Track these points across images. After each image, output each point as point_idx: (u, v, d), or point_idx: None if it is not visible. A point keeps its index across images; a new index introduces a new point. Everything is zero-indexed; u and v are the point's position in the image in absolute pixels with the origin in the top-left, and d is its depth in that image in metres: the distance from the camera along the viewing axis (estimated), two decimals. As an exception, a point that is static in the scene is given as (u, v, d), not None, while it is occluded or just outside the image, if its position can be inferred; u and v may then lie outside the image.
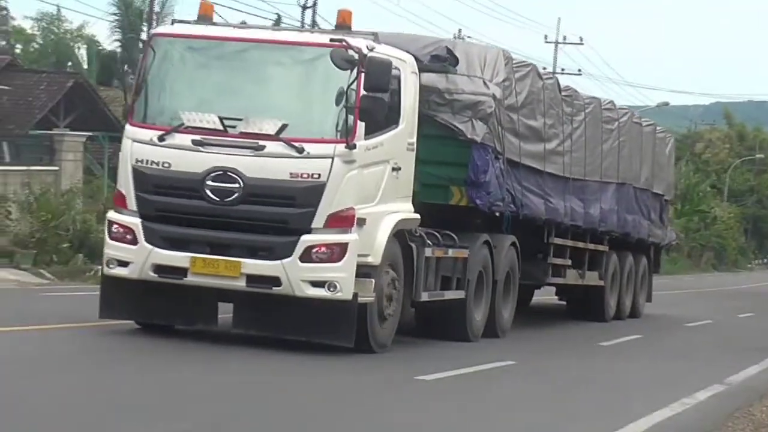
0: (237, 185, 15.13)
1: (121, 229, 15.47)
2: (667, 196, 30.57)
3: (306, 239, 15.02)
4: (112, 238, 15.57)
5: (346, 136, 15.08)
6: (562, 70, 71.15)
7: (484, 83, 18.90)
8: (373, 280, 15.42)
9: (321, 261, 15.01)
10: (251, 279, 15.15)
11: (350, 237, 15.13)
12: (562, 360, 19.60)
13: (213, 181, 15.18)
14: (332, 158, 15.09)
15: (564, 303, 27.90)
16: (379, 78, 14.89)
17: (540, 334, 24.32)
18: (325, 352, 15.43)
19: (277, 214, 15.20)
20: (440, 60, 18.20)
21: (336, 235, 15.12)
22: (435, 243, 17.55)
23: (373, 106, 14.90)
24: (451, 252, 18.12)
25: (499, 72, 19.21)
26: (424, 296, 17.18)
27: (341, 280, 15.00)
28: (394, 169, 16.03)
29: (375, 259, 15.45)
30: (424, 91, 18.23)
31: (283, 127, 15.07)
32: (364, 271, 15.34)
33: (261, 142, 15.08)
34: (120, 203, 15.61)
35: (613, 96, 31.70)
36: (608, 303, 26.63)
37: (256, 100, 15.85)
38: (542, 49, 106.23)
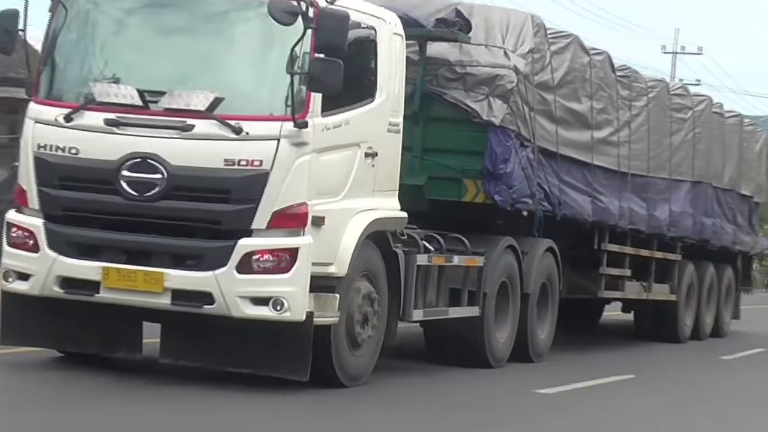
0: (159, 176, 11.67)
1: (21, 233, 12.07)
2: (757, 198, 26.04)
3: (244, 244, 11.58)
4: (11, 245, 12.13)
5: (298, 112, 11.45)
6: (681, 80, 66.37)
7: (505, 54, 15.44)
8: (338, 296, 11.99)
9: (264, 272, 11.57)
10: (177, 295, 11.67)
11: (301, 240, 11.68)
12: (683, 373, 18.22)
13: (130, 170, 11.72)
14: (278, 140, 11.61)
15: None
16: (334, 36, 11.38)
17: (657, 348, 21.75)
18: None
19: (209, 212, 11.72)
20: (446, 25, 14.72)
21: (283, 239, 11.68)
22: (436, 248, 14.21)
23: (325, 72, 11.35)
24: (457, 260, 14.67)
25: (525, 41, 15.88)
26: (417, 314, 13.72)
27: (289, 295, 11.57)
28: (368, 155, 12.57)
29: (339, 269, 12.05)
30: (432, 63, 15.24)
31: (217, 101, 11.61)
32: (324, 285, 11.96)
33: (189, 121, 11.60)
34: (21, 201, 12.14)
35: (733, 107, 26.92)
36: (682, 321, 22.73)
37: (184, 67, 12.39)
38: (660, 59, 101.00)
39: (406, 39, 13.88)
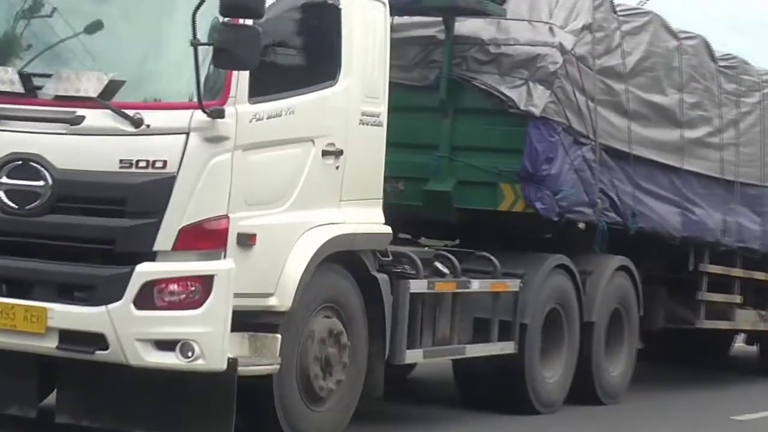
0: (42, 183, 8.57)
1: None
2: None
3: (144, 271, 8.35)
4: None
5: (214, 97, 8.33)
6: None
7: (550, 30, 12.23)
8: (279, 337, 8.87)
9: (169, 307, 8.36)
10: (65, 337, 8.46)
11: (218, 266, 8.45)
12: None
13: (9, 176, 8.64)
14: (186, 134, 8.43)
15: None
16: None
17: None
18: None
19: (101, 230, 8.52)
20: None
21: (194, 264, 8.46)
22: (450, 269, 11.24)
23: (235, 42, 8.15)
24: (478, 285, 11.49)
25: (578, 15, 12.62)
26: (413, 356, 10.66)
27: (201, 338, 8.34)
28: (327, 153, 9.42)
29: (281, 301, 8.95)
30: (460, 43, 12.20)
31: (113, 85, 8.49)
32: (263, 323, 8.89)
33: (79, 112, 8.51)
34: None
35: None
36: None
37: (74, 44, 9.14)
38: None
39: (429, 14, 11.47)
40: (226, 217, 8.45)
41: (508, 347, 11.58)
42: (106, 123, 8.42)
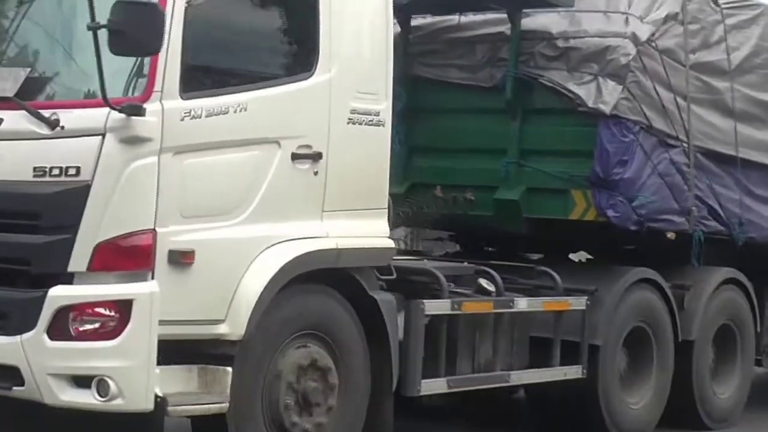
0: None
1: None
2: None
3: (56, 295, 6.56)
4: None
5: (134, 92, 6.61)
6: None
7: (626, 20, 9.96)
8: (229, 370, 6.89)
9: (84, 338, 6.53)
10: None
11: (138, 289, 6.56)
12: None
13: None
14: (102, 135, 6.60)
15: None
16: None
17: None
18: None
19: (14, 248, 6.77)
20: None
21: (110, 287, 6.58)
22: (488, 281, 9.03)
23: (134, 24, 6.19)
24: (526, 304, 9.18)
25: (663, 4, 10.26)
26: (431, 387, 8.39)
27: (118, 373, 6.48)
28: (300, 156, 7.35)
29: (233, 329, 6.98)
30: (528, 39, 10.04)
31: (31, 84, 6.86)
32: (219, 353, 6.94)
33: None
34: None
35: None
36: None
37: None
38: None
39: (492, 8, 9.81)
40: (152, 231, 6.60)
41: (573, 372, 9.25)
42: (21, 126, 6.77)
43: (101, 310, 6.48)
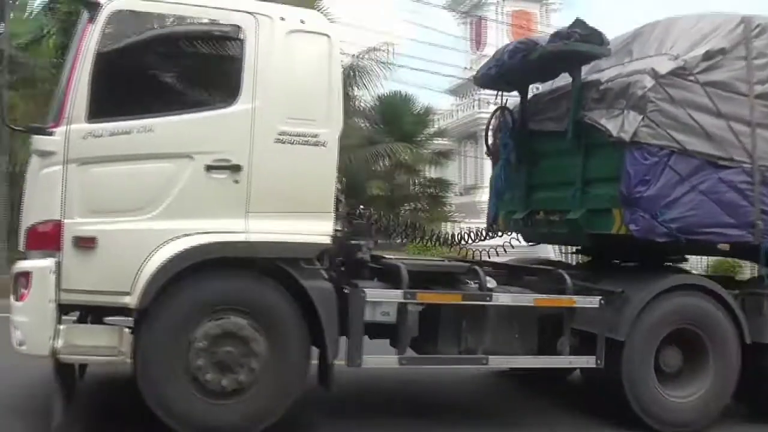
0: None
1: None
2: None
3: (14, 267, 8.03)
4: None
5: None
6: None
7: (654, 58, 9.08)
8: (127, 331, 7.86)
9: (18, 298, 7.86)
10: None
11: (35, 264, 7.76)
12: None
13: None
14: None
15: None
16: None
17: None
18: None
19: None
20: (560, 37, 9.14)
21: (26, 262, 7.89)
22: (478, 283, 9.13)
23: None
24: (509, 299, 9.08)
25: (710, 40, 9.92)
26: (374, 361, 8.64)
27: (23, 327, 7.74)
28: (217, 168, 7.96)
29: (134, 300, 7.73)
30: (587, 88, 10.12)
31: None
32: (131, 318, 7.99)
33: None
34: None
35: None
36: None
37: None
38: None
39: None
40: (59, 221, 7.69)
41: (581, 362, 9.10)
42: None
43: (22, 279, 7.82)
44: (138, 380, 7.91)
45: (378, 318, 8.68)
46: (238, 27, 8.24)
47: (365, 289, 8.57)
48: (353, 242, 9.24)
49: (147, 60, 8.29)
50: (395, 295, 8.70)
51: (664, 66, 9.56)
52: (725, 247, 9.92)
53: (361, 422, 9.24)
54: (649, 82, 9.48)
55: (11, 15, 23.10)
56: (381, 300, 8.66)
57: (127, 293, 7.75)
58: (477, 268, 9.22)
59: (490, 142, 11.91)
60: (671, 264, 10.66)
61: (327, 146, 8.31)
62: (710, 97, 9.70)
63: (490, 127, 11.95)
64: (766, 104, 9.88)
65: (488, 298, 8.98)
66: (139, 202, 7.84)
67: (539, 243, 12.15)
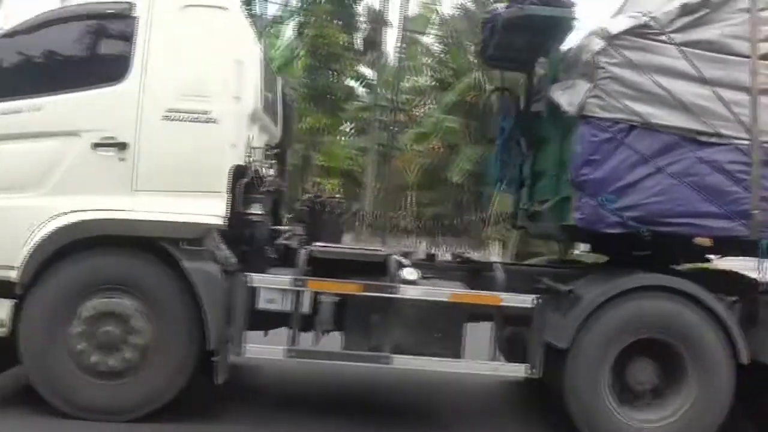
0: None
1: None
2: None
3: None
4: None
5: None
6: None
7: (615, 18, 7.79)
8: (7, 302, 7.21)
9: None
10: None
11: None
12: None
13: None
14: None
15: None
16: None
17: None
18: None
19: None
20: (517, 2, 8.08)
21: None
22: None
23: None
24: (418, 292, 7.44)
25: None
26: (259, 351, 7.46)
27: None
28: (103, 145, 7.30)
29: (16, 275, 7.19)
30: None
31: None
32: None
33: None
34: None
35: None
36: None
37: None
38: None
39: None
40: None
41: (510, 369, 7.34)
42: None
43: None
44: (21, 357, 7.25)
45: (269, 306, 7.41)
46: (131, 4, 7.49)
47: (250, 275, 7.34)
48: (276, 228, 8.05)
49: (39, 40, 7.58)
50: (283, 282, 7.39)
51: (619, 25, 7.42)
52: (705, 242, 7.48)
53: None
54: (597, 44, 7.39)
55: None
56: (268, 286, 7.38)
57: (12, 268, 7.15)
58: (395, 257, 7.59)
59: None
60: (676, 264, 8.29)
61: (219, 123, 7.34)
62: (690, 60, 7.41)
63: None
64: (777, 69, 7.41)
65: (392, 291, 7.35)
66: (30, 180, 7.26)
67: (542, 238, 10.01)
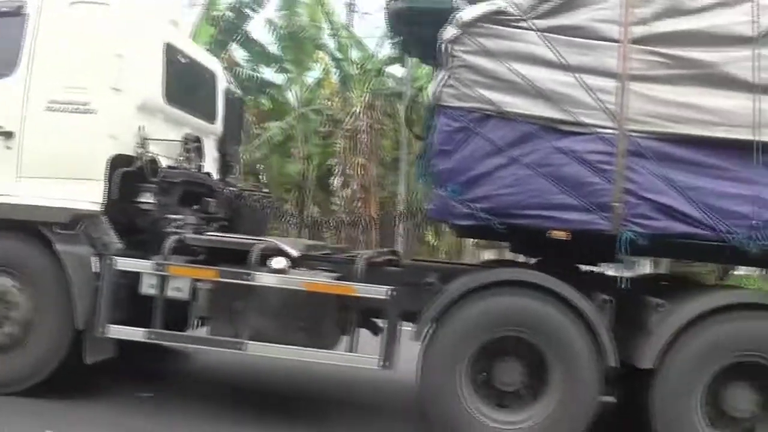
0: None
1: None
2: None
3: None
4: None
5: None
6: None
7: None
8: None
9: None
10: None
11: None
12: None
13: None
14: None
15: None
16: None
17: None
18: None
19: None
20: None
21: None
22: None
23: None
24: (273, 280, 7.36)
25: None
26: (122, 333, 7.54)
27: None
28: None
29: None
30: None
31: None
32: None
33: None
34: None
35: None
36: None
37: None
38: None
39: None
40: None
41: (362, 361, 7.24)
42: None
43: None
44: None
45: (149, 291, 7.55)
46: (23, 1, 7.94)
47: (114, 258, 7.53)
48: (168, 216, 8.23)
49: None
50: (145, 266, 7.53)
51: (474, 12, 7.11)
52: (561, 235, 7.02)
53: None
54: (450, 32, 7.12)
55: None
56: (130, 269, 7.53)
57: None
58: (278, 247, 7.56)
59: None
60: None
61: (97, 113, 7.70)
62: (552, 47, 7.03)
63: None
64: (649, 50, 6.91)
65: (247, 278, 7.36)
66: None
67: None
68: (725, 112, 6.77)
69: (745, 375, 6.90)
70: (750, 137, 6.72)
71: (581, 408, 6.93)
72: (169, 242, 7.69)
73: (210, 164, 9.41)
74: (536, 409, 7.02)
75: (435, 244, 23.67)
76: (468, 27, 7.10)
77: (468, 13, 7.13)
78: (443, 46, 7.14)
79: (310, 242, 8.46)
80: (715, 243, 6.77)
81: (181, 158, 8.61)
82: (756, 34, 6.80)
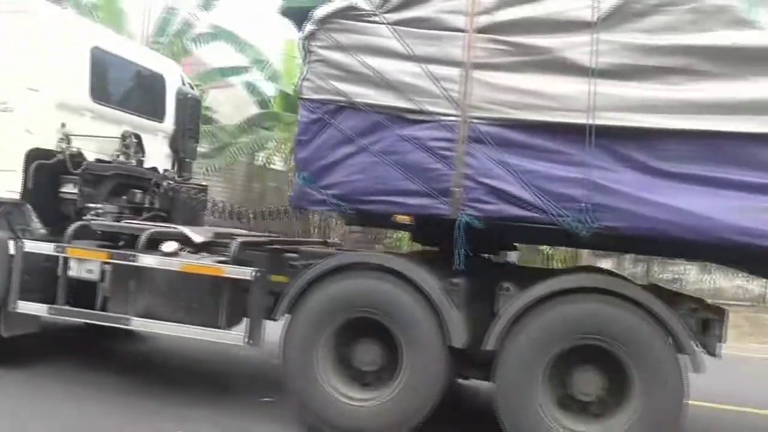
0: None
1: None
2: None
3: None
4: None
5: None
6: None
7: None
8: None
9: None
10: None
11: None
12: None
13: None
14: None
15: None
16: None
17: None
18: None
19: None
20: None
21: None
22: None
23: None
24: (155, 261, 7.86)
25: None
26: (28, 307, 8.14)
27: None
28: None
29: None
30: None
31: None
32: None
33: None
34: None
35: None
36: None
37: None
38: None
39: None
40: None
41: (229, 338, 7.71)
42: None
43: None
44: None
45: (71, 273, 8.07)
46: None
47: (23, 241, 8.17)
48: (88, 205, 8.84)
49: None
50: (47, 248, 8.09)
51: (327, 9, 7.38)
52: (405, 219, 7.18)
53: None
54: (307, 29, 7.41)
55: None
56: (35, 251, 8.10)
57: None
58: (183, 232, 8.02)
59: None
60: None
61: (14, 111, 8.36)
62: (401, 39, 7.23)
63: None
64: (492, 38, 7.03)
65: (131, 259, 7.87)
66: None
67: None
68: (563, 97, 6.78)
69: (589, 359, 6.89)
70: (585, 121, 6.73)
71: (426, 388, 7.07)
72: (72, 227, 8.25)
73: (162, 160, 9.96)
74: (390, 388, 7.22)
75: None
76: (322, 23, 7.36)
77: (322, 10, 7.40)
78: (301, 42, 7.44)
79: (224, 230, 8.88)
80: (549, 226, 6.81)
81: (117, 153, 9.19)
82: (596, 19, 6.80)
